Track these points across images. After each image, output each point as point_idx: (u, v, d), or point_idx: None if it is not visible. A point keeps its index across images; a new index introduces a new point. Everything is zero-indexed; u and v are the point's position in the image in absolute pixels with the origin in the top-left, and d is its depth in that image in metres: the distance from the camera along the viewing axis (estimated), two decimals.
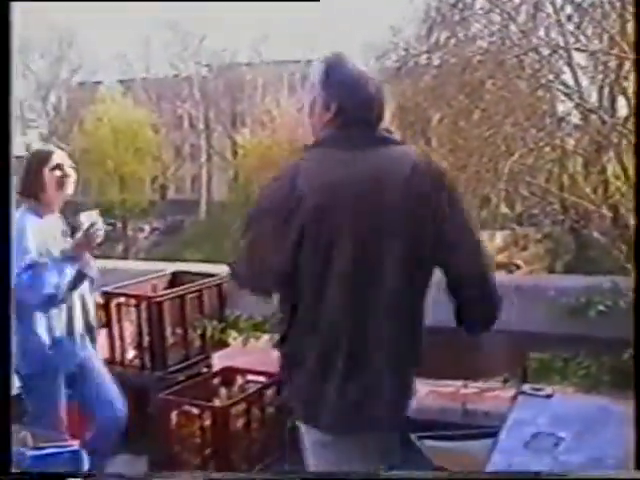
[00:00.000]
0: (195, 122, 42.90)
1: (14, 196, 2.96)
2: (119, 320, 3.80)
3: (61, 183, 3.20)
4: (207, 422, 3.48)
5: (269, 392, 3.69)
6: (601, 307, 3.91)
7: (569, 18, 12.55)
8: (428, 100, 13.76)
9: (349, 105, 2.14)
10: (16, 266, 2.82)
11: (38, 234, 3.08)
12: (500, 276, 3.31)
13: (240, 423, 3.53)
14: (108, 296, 3.82)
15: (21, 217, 3.09)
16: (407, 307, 2.14)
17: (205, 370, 3.93)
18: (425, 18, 14.40)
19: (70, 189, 3.24)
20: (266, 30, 42.05)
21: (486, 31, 13.90)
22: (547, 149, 13.07)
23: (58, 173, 3.20)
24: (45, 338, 3.14)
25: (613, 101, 12.94)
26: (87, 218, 3.08)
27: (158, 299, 3.76)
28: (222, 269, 4.19)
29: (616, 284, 4.01)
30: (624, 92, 12.84)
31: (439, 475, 1.67)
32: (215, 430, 3.47)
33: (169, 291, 3.89)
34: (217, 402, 3.56)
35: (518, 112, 12.65)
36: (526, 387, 3.14)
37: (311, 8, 44.08)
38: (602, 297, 3.93)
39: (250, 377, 3.76)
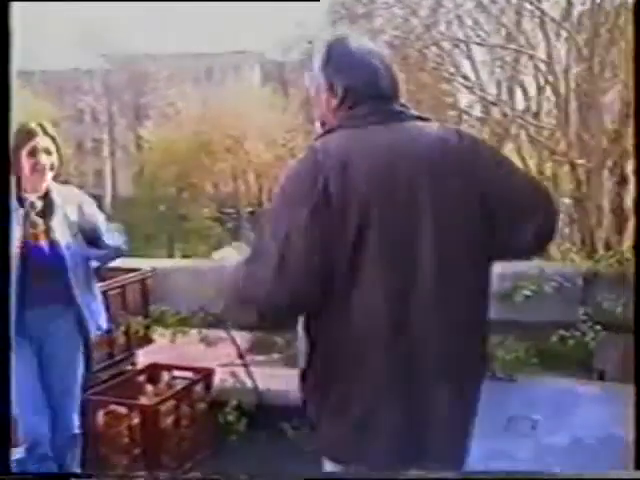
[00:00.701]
0: (98, 116, 41.93)
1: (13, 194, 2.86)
2: None
3: (36, 170, 2.92)
4: (135, 421, 3.36)
5: (198, 388, 3.63)
6: (527, 292, 4.04)
7: (469, 13, 12.96)
8: None
9: (356, 83, 1.88)
10: None
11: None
12: None
13: (169, 421, 3.42)
14: None
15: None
16: (474, 312, 1.88)
17: (130, 368, 3.86)
18: (330, 11, 14.58)
19: (46, 178, 2.94)
20: (171, 22, 41.37)
21: (389, 25, 14.19)
22: None
23: (33, 160, 2.92)
24: None
25: (511, 94, 13.44)
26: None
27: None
28: (144, 263, 4.16)
29: (542, 270, 4.13)
30: (521, 85, 13.37)
31: (439, 475, 1.67)
32: (144, 429, 3.35)
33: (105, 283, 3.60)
34: (144, 400, 3.50)
35: (423, 105, 12.96)
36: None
37: (216, 1, 43.56)
38: (529, 282, 4.06)
39: (177, 373, 3.71)
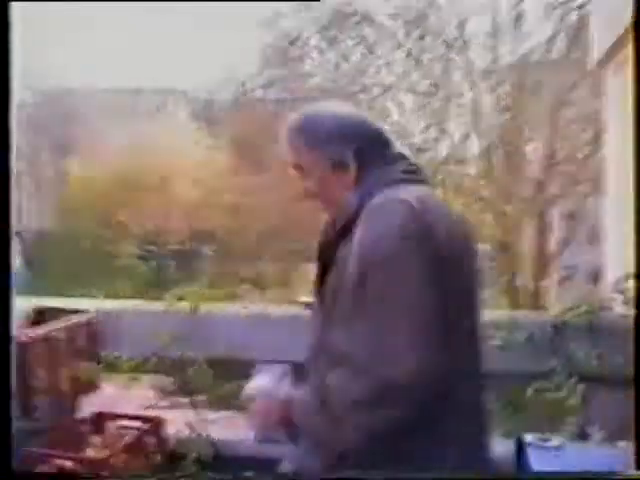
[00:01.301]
0: (21, 149, 40.88)
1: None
2: None
3: None
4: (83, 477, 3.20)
5: (149, 439, 3.42)
6: (497, 341, 3.81)
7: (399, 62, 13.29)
8: (264, 134, 14.01)
9: (365, 145, 1.80)
10: None
11: None
12: None
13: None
14: None
15: None
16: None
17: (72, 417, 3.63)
18: (261, 53, 14.72)
19: None
20: (99, 57, 40.89)
21: (320, 69, 14.44)
22: None
23: None
24: None
25: (437, 141, 13.73)
26: None
27: (24, 340, 3.27)
28: (89, 304, 3.99)
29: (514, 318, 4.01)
30: (447, 132, 13.68)
31: (439, 475, 1.58)
32: None
33: (39, 331, 3.40)
34: (91, 452, 3.33)
35: None
36: (529, 438, 2.96)
37: (147, 38, 43.46)
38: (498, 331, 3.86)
39: (124, 422, 3.55)
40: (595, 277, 12.39)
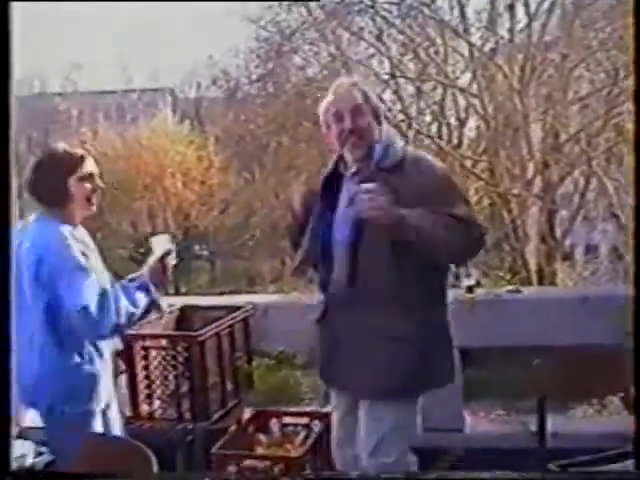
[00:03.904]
0: None
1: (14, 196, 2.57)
2: (145, 367, 3.21)
3: (89, 197, 2.63)
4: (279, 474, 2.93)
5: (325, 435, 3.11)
6: None
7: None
8: (263, 128, 13.93)
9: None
10: (71, 286, 2.41)
11: (76, 248, 2.54)
12: None
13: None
14: (131, 339, 3.15)
15: (53, 226, 2.54)
16: None
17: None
18: (255, 48, 14.63)
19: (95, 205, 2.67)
20: (80, 59, 39.99)
21: (313, 61, 14.38)
22: None
23: (88, 186, 2.62)
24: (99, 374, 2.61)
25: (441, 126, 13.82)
26: (160, 243, 2.69)
27: (201, 338, 3.19)
28: (239, 300, 3.82)
29: None
30: (450, 118, 13.75)
31: (440, 475, 1.67)
32: None
33: (209, 328, 3.28)
34: (260, 451, 3.19)
35: None
36: None
37: (130, 36, 42.48)
38: None
39: (287, 419, 3.44)
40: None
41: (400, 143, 2.51)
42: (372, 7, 12.58)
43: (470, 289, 3.86)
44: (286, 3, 13.71)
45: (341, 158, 2.51)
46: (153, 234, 2.81)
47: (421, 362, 2.39)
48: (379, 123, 2.48)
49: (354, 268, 2.39)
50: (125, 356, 3.17)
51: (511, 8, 12.27)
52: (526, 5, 12.25)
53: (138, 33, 42.52)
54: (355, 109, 2.43)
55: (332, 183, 2.53)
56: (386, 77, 13.61)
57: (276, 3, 13.85)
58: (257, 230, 15.63)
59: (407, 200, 2.27)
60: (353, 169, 2.49)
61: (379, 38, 13.27)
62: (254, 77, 14.89)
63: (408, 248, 2.26)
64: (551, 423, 2.48)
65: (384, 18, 12.83)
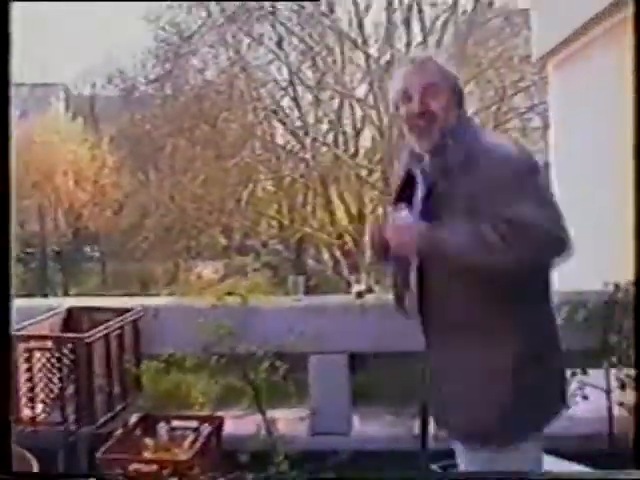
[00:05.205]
0: None
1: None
2: (28, 369, 3.09)
3: None
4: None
5: (214, 438, 3.21)
6: None
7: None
8: (160, 129, 13.74)
9: None
10: None
11: None
12: None
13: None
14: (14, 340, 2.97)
15: None
16: None
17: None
18: (153, 48, 14.46)
19: None
20: None
21: (212, 64, 14.32)
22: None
23: None
24: None
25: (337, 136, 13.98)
26: None
27: (88, 340, 3.11)
28: (126, 302, 3.77)
29: None
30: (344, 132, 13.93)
31: (440, 475, 1.74)
32: None
33: (97, 330, 3.20)
34: (147, 455, 3.14)
35: (255, 143, 13.18)
36: None
37: (23, 30, 40.76)
38: None
39: (175, 423, 3.40)
40: None
41: (475, 130, 2.08)
42: (273, 14, 12.57)
43: (360, 294, 3.89)
44: (186, 4, 13.64)
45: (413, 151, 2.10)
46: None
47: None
48: (459, 106, 2.04)
49: (420, 293, 2.05)
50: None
51: (407, 23, 12.58)
52: (422, 21, 12.55)
53: (31, 26, 41.17)
54: (427, 88, 2.02)
55: (412, 182, 2.10)
56: (284, 84, 13.70)
57: (176, 4, 13.76)
58: (151, 233, 15.35)
59: (473, 204, 1.90)
60: (421, 168, 2.06)
61: (279, 45, 13.38)
62: (152, 77, 14.74)
63: (457, 269, 1.93)
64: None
65: (284, 25, 12.88)
